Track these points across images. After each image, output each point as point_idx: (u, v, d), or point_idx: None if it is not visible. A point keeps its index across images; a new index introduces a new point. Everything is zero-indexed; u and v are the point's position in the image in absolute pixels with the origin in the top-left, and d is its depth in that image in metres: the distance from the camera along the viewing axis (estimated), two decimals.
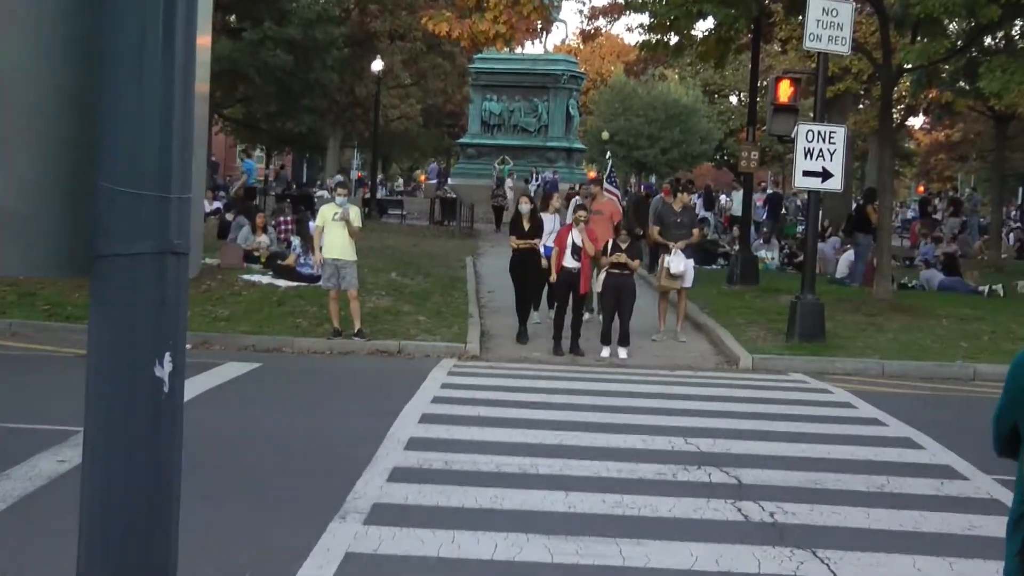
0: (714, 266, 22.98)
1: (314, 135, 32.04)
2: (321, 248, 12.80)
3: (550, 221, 14.12)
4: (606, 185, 15.41)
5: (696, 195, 27.32)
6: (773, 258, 23.43)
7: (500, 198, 30.49)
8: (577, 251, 12.66)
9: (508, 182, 34.65)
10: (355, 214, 12.68)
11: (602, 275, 12.82)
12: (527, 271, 13.14)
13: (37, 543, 5.32)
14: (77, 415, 2.36)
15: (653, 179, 53.82)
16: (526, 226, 13.14)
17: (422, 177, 71.91)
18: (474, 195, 35.30)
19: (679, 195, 14.44)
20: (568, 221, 14.02)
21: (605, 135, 53.02)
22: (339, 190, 13.00)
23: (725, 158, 60.92)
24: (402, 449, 7.54)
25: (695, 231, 14.19)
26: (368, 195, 38.25)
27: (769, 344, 13.54)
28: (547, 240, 13.62)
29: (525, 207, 13.19)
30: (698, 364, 12.86)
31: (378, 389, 10.35)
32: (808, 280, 13.74)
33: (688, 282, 14.31)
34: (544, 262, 13.32)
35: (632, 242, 12.96)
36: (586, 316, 14.57)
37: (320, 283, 13.48)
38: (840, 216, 26.23)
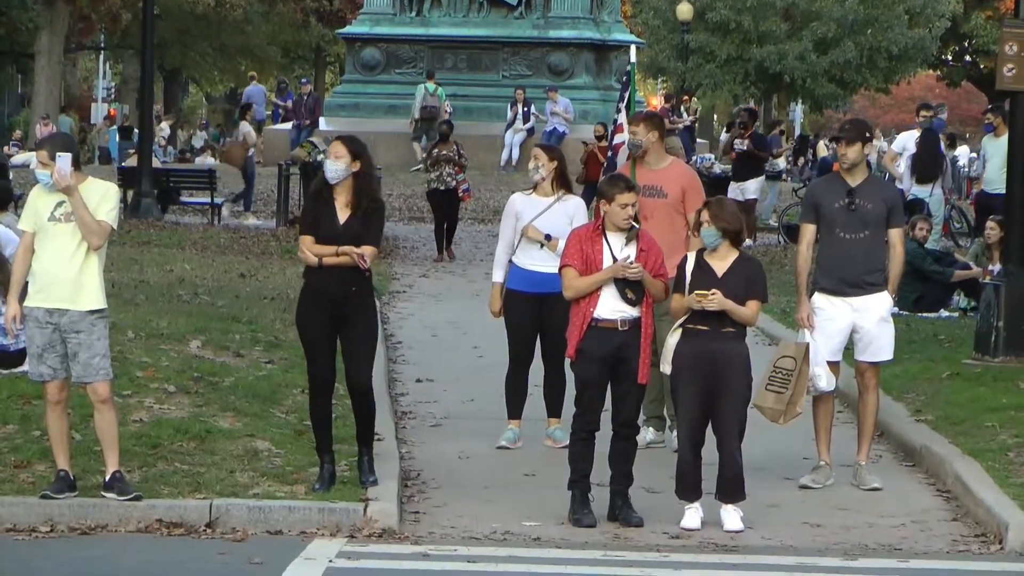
0: (942, 314, 23.26)
1: (9, 28, 32.07)
2: (27, 286, 13.01)
3: (538, 210, 15.13)
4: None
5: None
6: None
7: (444, 166, 29.47)
8: (634, 286, 12.92)
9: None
10: (105, 196, 12.96)
11: (674, 338, 13.13)
12: (341, 321, 13.33)
13: None
14: None
15: (796, 111, 53.63)
16: (342, 214, 13.23)
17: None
18: (380, 155, 35.22)
19: (858, 143, 14.38)
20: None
21: (685, 7, 53.44)
22: (41, 153, 13.09)
23: (966, 61, 60.93)
24: None
25: (897, 246, 14.40)
26: (134, 160, 38.17)
27: None
28: (528, 258, 15.00)
29: (336, 168, 13.06)
30: (913, 542, 13.00)
31: None
32: None
33: (884, 352, 14.56)
34: (496, 305, 15.12)
35: (741, 256, 13.24)
36: (649, 436, 15.06)
37: (26, 368, 13.76)
38: None
